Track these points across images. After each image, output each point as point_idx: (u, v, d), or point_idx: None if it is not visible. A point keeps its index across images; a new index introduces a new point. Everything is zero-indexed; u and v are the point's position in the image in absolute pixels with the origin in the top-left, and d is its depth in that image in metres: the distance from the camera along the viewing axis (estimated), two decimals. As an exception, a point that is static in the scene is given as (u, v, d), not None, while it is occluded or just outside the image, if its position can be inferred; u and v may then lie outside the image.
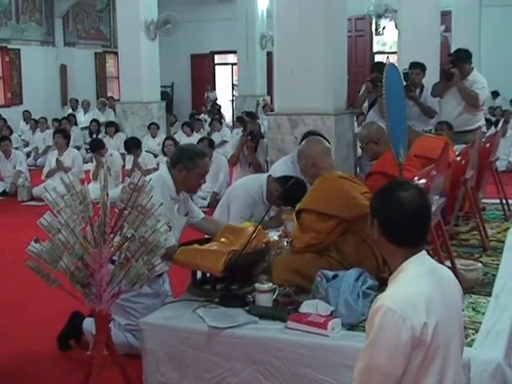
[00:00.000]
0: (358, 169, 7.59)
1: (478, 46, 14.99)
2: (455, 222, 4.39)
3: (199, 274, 3.56)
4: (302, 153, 3.77)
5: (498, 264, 3.81)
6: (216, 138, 12.76)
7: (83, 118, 15.16)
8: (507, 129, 11.06)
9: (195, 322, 3.05)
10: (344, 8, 6.90)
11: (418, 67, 7.26)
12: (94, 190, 3.34)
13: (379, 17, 12.23)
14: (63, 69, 17.98)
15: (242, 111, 14.80)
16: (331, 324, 2.81)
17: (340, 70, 6.77)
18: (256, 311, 3.07)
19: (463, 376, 2.27)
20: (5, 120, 13.94)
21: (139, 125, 12.33)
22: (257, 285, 3.12)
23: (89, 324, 4.00)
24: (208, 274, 3.48)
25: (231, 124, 15.88)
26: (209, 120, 15.41)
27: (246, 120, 11.44)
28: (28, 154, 12.98)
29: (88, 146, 12.35)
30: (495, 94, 16.49)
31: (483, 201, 5.18)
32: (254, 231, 3.44)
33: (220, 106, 18.16)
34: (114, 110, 14.04)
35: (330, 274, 3.13)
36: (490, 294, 3.29)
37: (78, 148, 12.22)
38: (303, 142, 3.93)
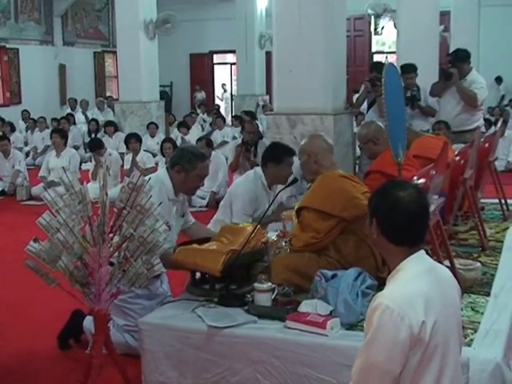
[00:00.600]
0: (356, 168, 7.58)
1: (476, 46, 15.00)
2: (454, 222, 4.40)
3: (198, 274, 3.56)
4: (305, 148, 3.72)
5: (497, 264, 3.81)
6: (217, 137, 12.79)
7: (82, 118, 15.15)
8: (505, 129, 11.06)
9: (194, 321, 3.05)
10: (343, 7, 6.89)
11: (411, 71, 7.18)
12: (93, 189, 3.34)
13: (378, 16, 12.23)
14: (62, 68, 17.98)
15: (241, 111, 14.80)
16: (330, 323, 2.82)
17: (339, 69, 6.77)
18: (255, 311, 3.07)
19: (462, 375, 2.27)
20: (3, 119, 13.93)
21: (138, 124, 12.33)
22: (256, 284, 3.12)
23: (89, 323, 4.01)
24: (207, 274, 3.48)
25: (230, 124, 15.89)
26: (208, 120, 15.45)
27: (244, 119, 11.45)
28: (27, 154, 12.98)
29: (87, 145, 12.41)
30: (498, 80, 16.45)
31: (482, 200, 5.19)
32: (253, 231, 3.44)
33: (219, 106, 18.16)
34: (113, 110, 14.04)
35: (329, 273, 3.13)
36: (488, 294, 3.29)
37: (77, 148, 12.22)
38: (306, 138, 3.89)
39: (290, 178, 4.48)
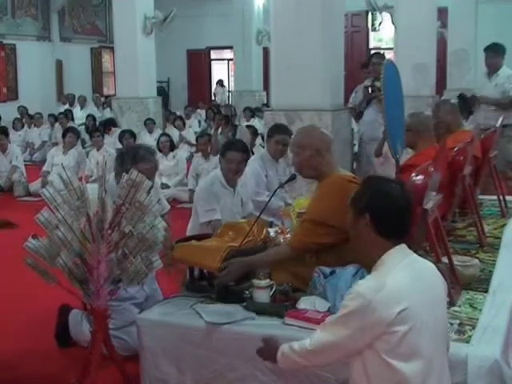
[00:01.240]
0: (355, 165, 7.58)
1: (474, 42, 14.99)
2: (452, 218, 4.40)
3: (196, 270, 3.56)
4: (312, 142, 3.38)
5: (495, 260, 3.81)
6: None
7: (79, 114, 15.11)
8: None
9: (192, 318, 3.05)
10: (341, 3, 6.88)
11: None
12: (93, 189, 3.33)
13: (375, 10, 12.20)
14: (59, 64, 17.94)
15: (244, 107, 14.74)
16: (329, 320, 2.82)
17: (337, 66, 6.76)
18: (253, 307, 3.07)
19: (448, 370, 2.28)
20: (-1, 116, 13.94)
21: (135, 120, 12.31)
22: (254, 281, 3.12)
23: (74, 316, 4.02)
24: (205, 271, 3.48)
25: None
26: (203, 117, 15.43)
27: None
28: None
29: (84, 143, 12.38)
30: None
31: (480, 197, 5.19)
32: (251, 228, 3.44)
33: (219, 104, 18.11)
34: (111, 108, 14.01)
35: (328, 270, 3.13)
36: (486, 291, 3.29)
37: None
38: (306, 131, 3.57)
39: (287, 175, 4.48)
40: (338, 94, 6.79)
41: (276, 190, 4.03)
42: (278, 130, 5.45)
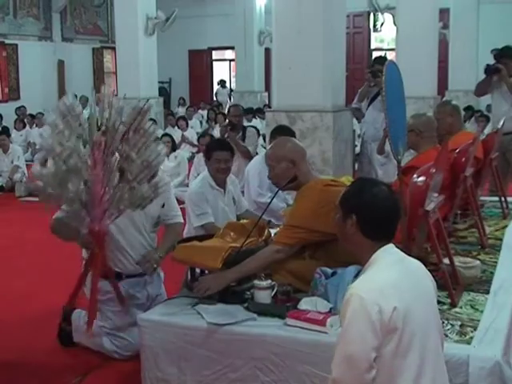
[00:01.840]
0: (356, 166, 7.58)
1: (476, 43, 15.01)
2: (453, 220, 4.40)
3: (198, 271, 3.56)
4: (286, 155, 3.40)
5: (496, 262, 3.80)
6: (215, 132, 12.78)
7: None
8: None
9: (194, 318, 3.05)
10: (343, 4, 6.89)
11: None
12: None
13: (376, 10, 12.18)
14: (61, 64, 17.96)
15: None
16: (330, 321, 2.82)
17: (338, 66, 6.76)
18: (255, 308, 3.07)
19: (445, 365, 2.28)
20: (0, 116, 13.92)
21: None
22: (256, 282, 3.12)
23: (77, 316, 4.04)
24: (206, 271, 3.48)
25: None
26: (205, 117, 15.44)
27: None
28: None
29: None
30: None
31: (481, 198, 5.19)
32: (253, 229, 3.44)
33: (220, 104, 18.12)
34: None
35: (329, 270, 3.13)
36: (488, 292, 3.29)
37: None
38: (280, 144, 3.54)
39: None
40: (340, 95, 6.80)
41: (278, 191, 4.04)
42: (280, 131, 5.41)
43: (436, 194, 3.32)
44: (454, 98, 8.43)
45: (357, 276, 3.07)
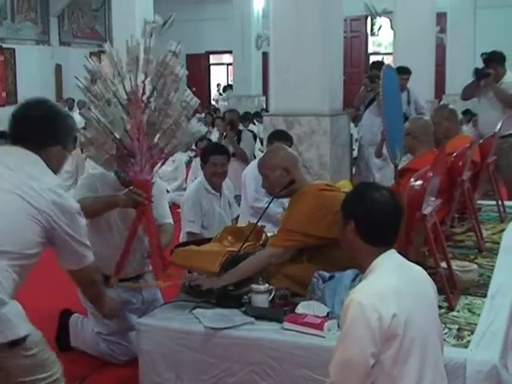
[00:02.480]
0: (353, 170, 7.59)
1: (473, 48, 15.03)
2: (451, 223, 4.40)
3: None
4: (279, 163, 3.40)
5: (493, 265, 3.81)
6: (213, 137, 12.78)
7: (79, 118, 15.10)
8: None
9: (191, 322, 3.05)
10: (340, 8, 6.91)
11: (407, 73, 7.24)
12: None
13: (374, 15, 12.22)
14: (58, 68, 17.95)
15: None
16: (327, 325, 2.82)
17: (336, 70, 6.78)
18: (252, 312, 3.07)
19: (444, 369, 2.28)
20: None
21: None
22: (253, 286, 3.12)
23: (75, 320, 4.03)
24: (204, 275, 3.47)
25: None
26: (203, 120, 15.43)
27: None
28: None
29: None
30: None
31: (479, 202, 5.19)
32: (251, 233, 3.44)
33: (218, 108, 18.11)
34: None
35: (327, 274, 3.13)
36: (485, 296, 3.30)
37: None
38: (272, 152, 3.55)
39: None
40: (337, 99, 6.81)
41: (274, 197, 4.03)
42: (278, 136, 5.41)
43: (433, 198, 3.33)
44: (451, 102, 8.43)
45: (354, 280, 3.08)
